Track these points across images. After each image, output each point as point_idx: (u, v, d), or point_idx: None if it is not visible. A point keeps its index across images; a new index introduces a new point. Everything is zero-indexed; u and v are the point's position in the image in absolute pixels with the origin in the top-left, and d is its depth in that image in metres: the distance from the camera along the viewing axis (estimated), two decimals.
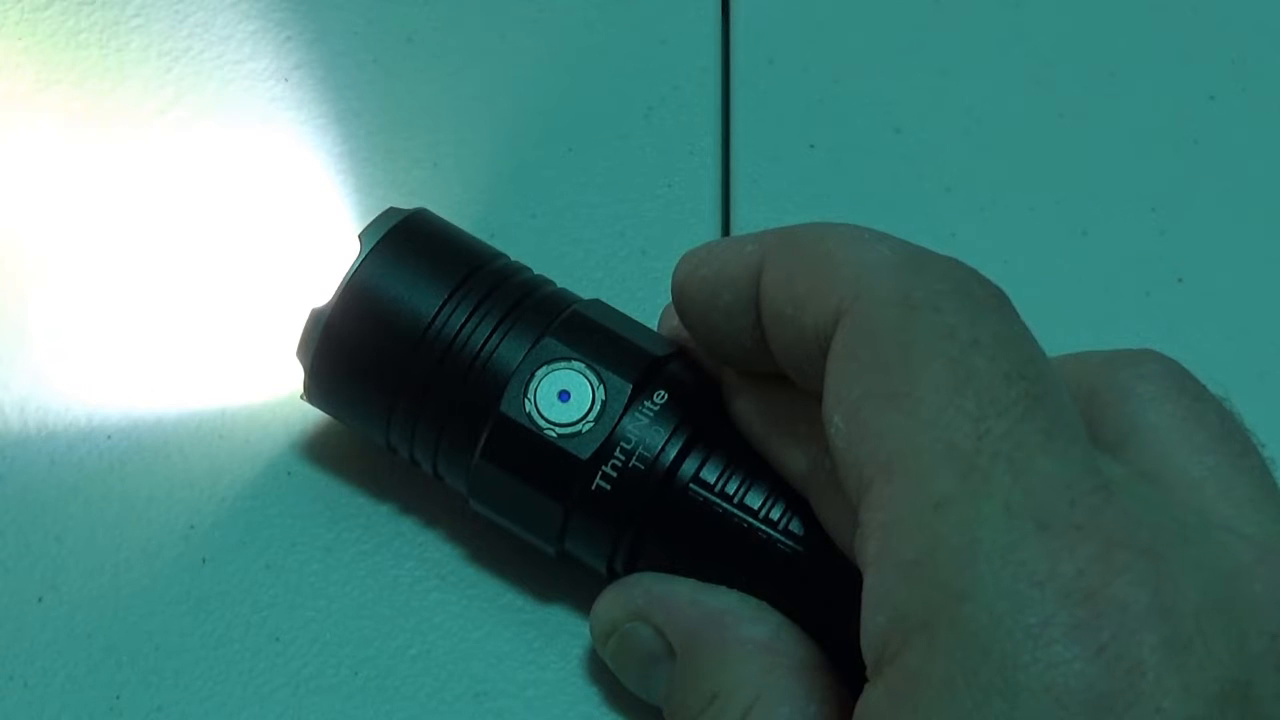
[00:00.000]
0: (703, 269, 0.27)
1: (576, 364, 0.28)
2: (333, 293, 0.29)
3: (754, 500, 0.27)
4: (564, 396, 0.28)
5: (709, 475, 0.28)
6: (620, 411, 0.28)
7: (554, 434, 0.28)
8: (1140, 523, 0.21)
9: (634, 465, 0.28)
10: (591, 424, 0.28)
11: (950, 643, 0.20)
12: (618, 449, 0.28)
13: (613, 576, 0.29)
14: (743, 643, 0.27)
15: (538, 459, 0.28)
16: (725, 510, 0.27)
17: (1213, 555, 0.21)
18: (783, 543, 0.27)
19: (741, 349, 0.27)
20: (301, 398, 0.30)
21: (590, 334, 0.29)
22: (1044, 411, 0.22)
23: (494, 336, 0.29)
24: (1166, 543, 0.21)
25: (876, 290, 0.23)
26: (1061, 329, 0.35)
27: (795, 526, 0.27)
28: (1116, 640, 0.20)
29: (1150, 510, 0.22)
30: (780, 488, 0.27)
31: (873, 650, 0.22)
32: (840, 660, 0.26)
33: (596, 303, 0.30)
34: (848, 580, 0.23)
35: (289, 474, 0.32)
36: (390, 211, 0.30)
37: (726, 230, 0.37)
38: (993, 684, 0.20)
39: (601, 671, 0.30)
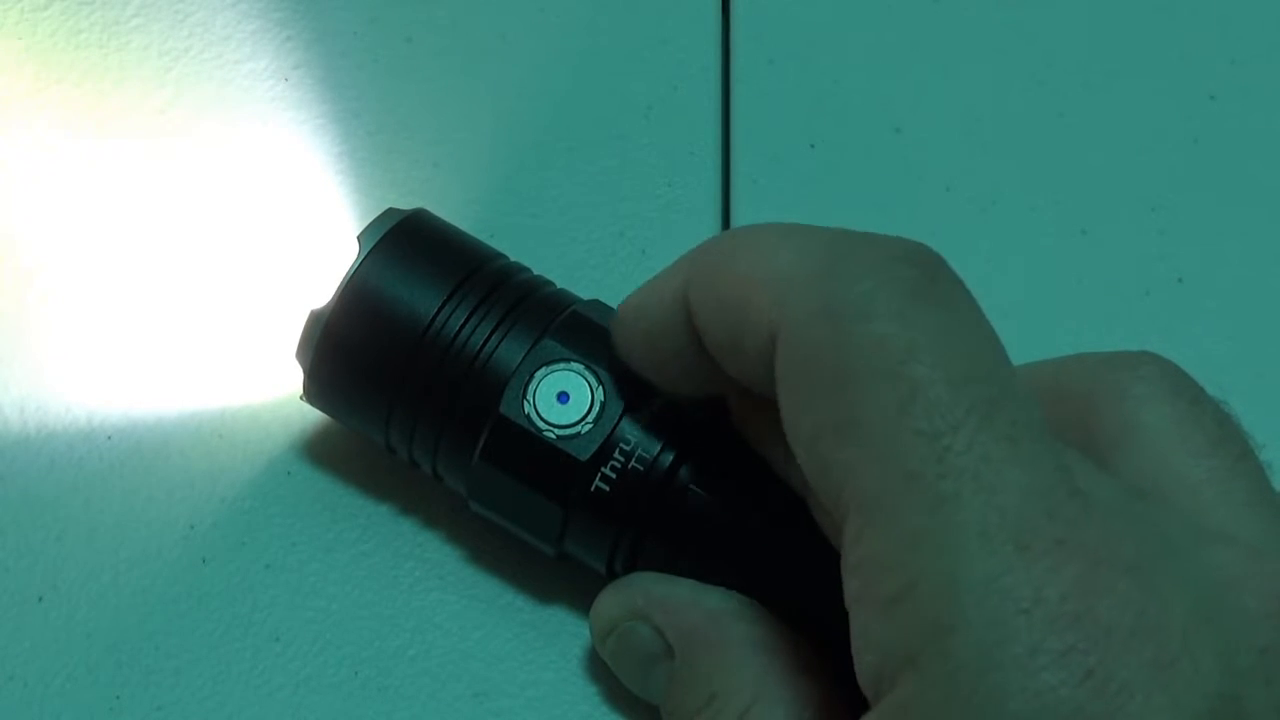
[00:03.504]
0: (638, 323, 0.27)
1: (576, 365, 0.28)
2: (332, 293, 0.29)
3: (753, 502, 0.27)
4: (563, 398, 0.28)
5: (708, 476, 0.28)
6: (619, 413, 0.28)
7: (553, 435, 0.28)
8: (1122, 536, 0.21)
9: (633, 466, 0.28)
10: (591, 425, 0.28)
11: (939, 676, 0.20)
12: (617, 450, 0.28)
13: (612, 577, 0.29)
14: (741, 644, 0.27)
15: (537, 460, 0.28)
16: (724, 511, 0.27)
17: (1201, 568, 0.21)
18: (782, 544, 0.27)
19: (709, 382, 0.26)
20: (301, 398, 0.30)
21: (590, 335, 0.29)
22: (1002, 414, 0.21)
23: (493, 337, 0.29)
24: (1151, 557, 0.21)
25: (798, 306, 0.22)
26: (1061, 329, 0.35)
27: (794, 528, 0.27)
28: (1104, 664, 0.20)
29: (1132, 521, 0.21)
30: (779, 489, 0.27)
31: (869, 687, 0.22)
32: (839, 662, 0.26)
33: (596, 303, 0.30)
34: None
35: (289, 474, 0.32)
36: (389, 212, 0.30)
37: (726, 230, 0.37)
38: (984, 714, 0.20)
39: (601, 671, 0.30)
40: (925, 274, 0.22)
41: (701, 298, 0.25)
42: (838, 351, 0.22)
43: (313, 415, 0.32)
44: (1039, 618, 0.20)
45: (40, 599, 0.31)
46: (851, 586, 0.22)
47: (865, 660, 0.21)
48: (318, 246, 0.31)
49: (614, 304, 0.30)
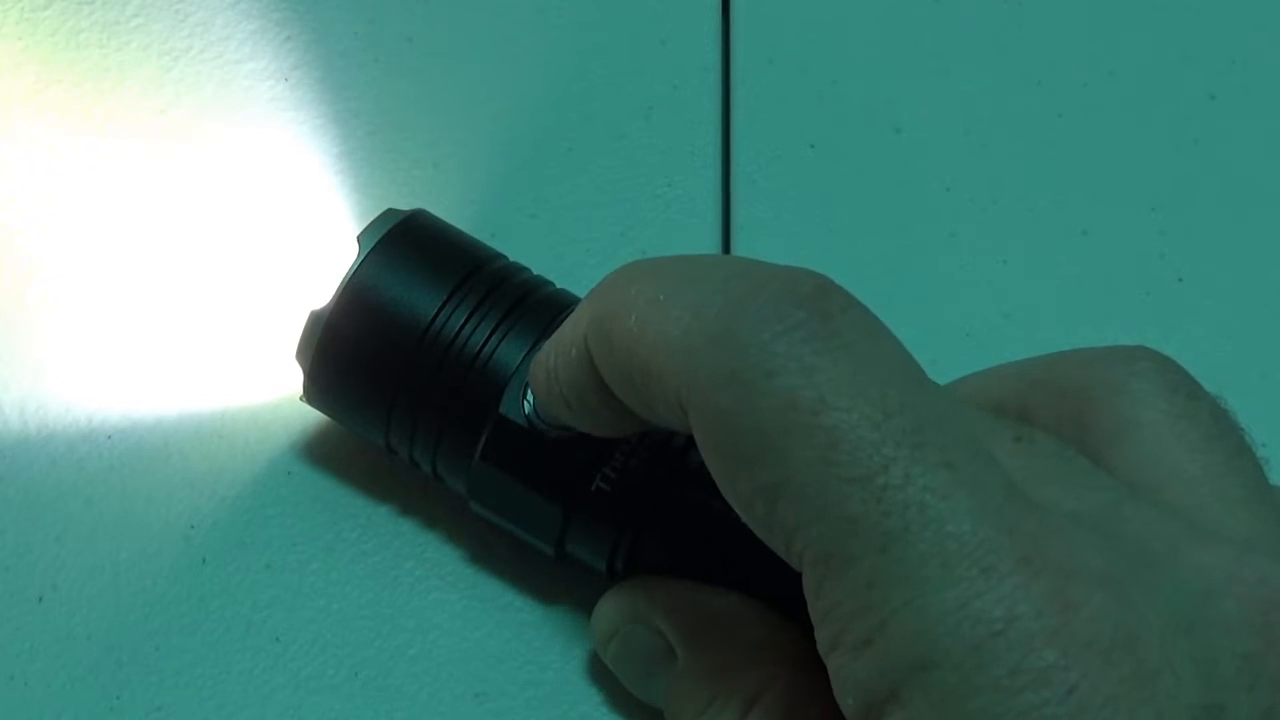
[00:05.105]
0: (553, 388, 0.26)
1: None
2: (332, 294, 0.29)
3: None
4: None
5: (709, 475, 0.28)
6: None
7: (553, 435, 0.28)
8: (1089, 547, 0.21)
9: (633, 466, 0.28)
10: None
11: (923, 709, 0.20)
12: (617, 450, 0.28)
13: (613, 577, 0.29)
14: (743, 644, 0.27)
15: (537, 460, 0.28)
16: (726, 510, 0.27)
17: (1180, 575, 0.21)
18: None
19: (646, 425, 0.26)
20: (301, 399, 0.30)
21: None
22: (931, 441, 0.21)
23: (493, 337, 0.29)
24: (1124, 566, 0.21)
25: (701, 376, 0.22)
26: (1061, 329, 0.36)
27: None
28: (1086, 679, 0.19)
29: (1097, 531, 0.21)
30: None
31: None
32: None
33: None
34: None
35: (289, 474, 0.32)
36: (389, 213, 0.30)
37: (726, 230, 0.36)
38: None
39: (602, 672, 0.30)
40: (818, 312, 0.22)
41: (605, 366, 0.24)
42: (749, 415, 0.21)
43: (313, 415, 0.32)
44: (1015, 637, 0.19)
45: (40, 599, 0.31)
46: (822, 636, 0.21)
47: (848, 703, 0.21)
48: (318, 246, 0.31)
49: None
